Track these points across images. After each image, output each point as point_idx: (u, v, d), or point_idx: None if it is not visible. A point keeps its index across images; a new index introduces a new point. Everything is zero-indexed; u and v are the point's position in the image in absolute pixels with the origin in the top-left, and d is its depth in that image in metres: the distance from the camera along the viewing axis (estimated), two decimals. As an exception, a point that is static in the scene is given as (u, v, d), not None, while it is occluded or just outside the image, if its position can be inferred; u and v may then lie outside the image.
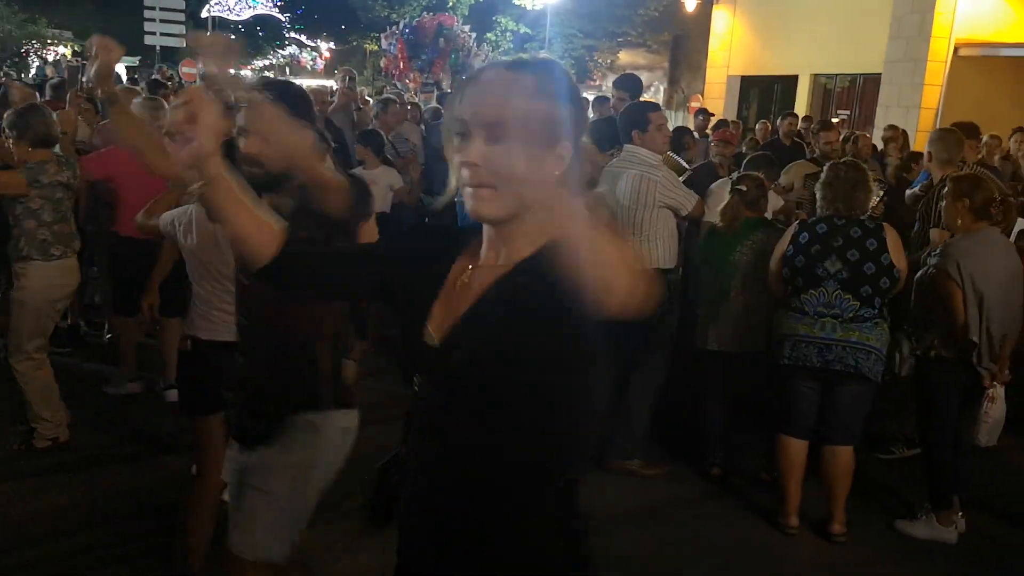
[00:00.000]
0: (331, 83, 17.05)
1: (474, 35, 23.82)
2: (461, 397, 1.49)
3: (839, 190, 3.93)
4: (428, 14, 23.69)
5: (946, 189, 4.17)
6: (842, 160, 4.28)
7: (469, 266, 1.53)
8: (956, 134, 5.19)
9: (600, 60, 25.84)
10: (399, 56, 22.72)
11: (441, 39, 22.73)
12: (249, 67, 40.96)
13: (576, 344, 1.40)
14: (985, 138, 7.47)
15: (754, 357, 4.38)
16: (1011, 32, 13.91)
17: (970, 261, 3.87)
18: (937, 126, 12.76)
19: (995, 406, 3.98)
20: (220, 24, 32.50)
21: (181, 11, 20.45)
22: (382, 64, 22.07)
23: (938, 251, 4.06)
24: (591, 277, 1.20)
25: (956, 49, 13.99)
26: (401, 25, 23.32)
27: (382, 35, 24.38)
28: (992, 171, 6.16)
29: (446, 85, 15.94)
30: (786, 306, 3.99)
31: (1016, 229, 4.76)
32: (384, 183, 6.46)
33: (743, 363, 4.45)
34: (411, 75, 20.86)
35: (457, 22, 23.57)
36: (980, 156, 6.69)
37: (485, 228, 1.50)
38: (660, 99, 23.89)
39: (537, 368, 1.41)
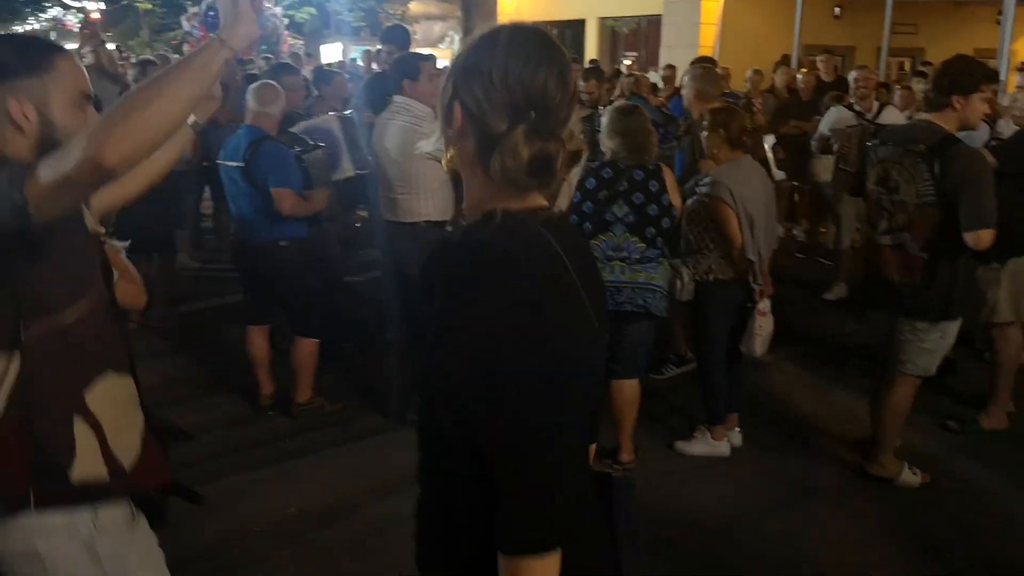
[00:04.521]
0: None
1: (287, 21, 22.22)
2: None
3: (637, 141, 3.93)
4: None
5: (705, 122, 4.34)
6: (623, 106, 4.24)
7: None
8: (711, 70, 5.43)
9: (392, 11, 25.28)
10: (202, 40, 20.81)
11: None
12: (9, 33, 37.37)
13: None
14: (749, 73, 7.92)
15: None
16: (775, -30, 14.74)
17: (738, 187, 4.05)
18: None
19: (766, 319, 4.21)
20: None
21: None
22: (185, 49, 20.22)
23: (707, 180, 4.20)
24: None
25: (727, -12, 14.72)
26: (203, 7, 21.42)
27: (182, 17, 22.50)
28: (732, 98, 6.63)
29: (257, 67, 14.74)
30: None
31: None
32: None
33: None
34: None
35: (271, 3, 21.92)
36: (728, 88, 7.12)
37: None
38: (455, 49, 23.65)
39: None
